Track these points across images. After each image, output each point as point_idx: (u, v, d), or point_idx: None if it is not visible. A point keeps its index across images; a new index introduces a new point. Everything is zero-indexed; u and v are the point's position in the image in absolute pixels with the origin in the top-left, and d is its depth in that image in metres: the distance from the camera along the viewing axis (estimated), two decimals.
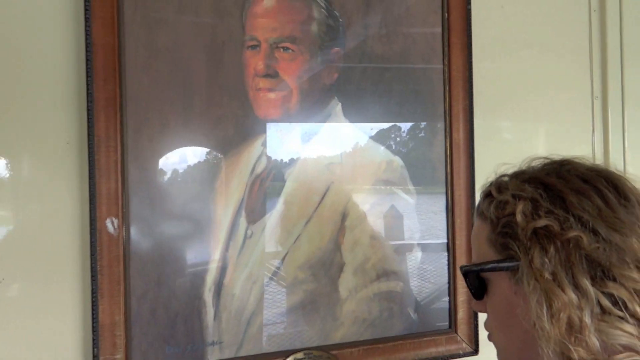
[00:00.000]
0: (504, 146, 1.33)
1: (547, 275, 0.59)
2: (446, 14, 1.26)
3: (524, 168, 0.73)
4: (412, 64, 1.24)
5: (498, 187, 0.71)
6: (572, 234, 0.59)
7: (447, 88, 1.26)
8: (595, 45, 1.43)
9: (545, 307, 0.59)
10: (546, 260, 0.60)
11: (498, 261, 0.68)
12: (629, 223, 0.61)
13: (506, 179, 0.72)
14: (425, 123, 1.25)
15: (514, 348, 0.70)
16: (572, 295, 0.58)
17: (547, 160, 0.72)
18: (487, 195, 0.73)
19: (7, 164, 0.99)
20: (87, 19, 1.00)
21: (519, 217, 0.64)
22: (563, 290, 0.58)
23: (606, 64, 1.43)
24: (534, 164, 0.73)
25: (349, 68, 1.19)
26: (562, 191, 0.64)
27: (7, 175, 0.99)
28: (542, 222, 0.62)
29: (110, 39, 1.02)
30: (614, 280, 0.58)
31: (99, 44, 1.01)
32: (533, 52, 1.37)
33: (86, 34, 1.00)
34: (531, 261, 0.61)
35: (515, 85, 1.34)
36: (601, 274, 0.58)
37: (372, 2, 1.21)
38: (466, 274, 0.73)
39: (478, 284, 0.72)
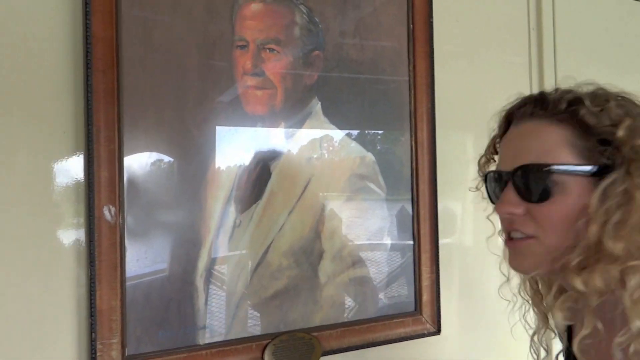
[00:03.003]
0: (463, 144, 1.48)
1: None
2: (411, 26, 1.40)
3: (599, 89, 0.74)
4: (382, 69, 1.36)
5: (594, 98, 0.71)
6: None
7: (412, 92, 1.39)
8: (534, 61, 1.62)
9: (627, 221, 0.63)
10: None
11: (585, 164, 0.68)
12: None
13: (594, 90, 0.73)
14: (393, 123, 1.37)
15: (564, 248, 0.70)
16: None
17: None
18: (571, 101, 0.72)
19: (5, 152, 0.99)
20: (87, 13, 1.03)
21: (623, 132, 0.66)
22: None
23: (543, 78, 1.62)
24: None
25: (328, 70, 1.29)
26: None
27: (5, 163, 0.99)
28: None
29: (109, 33, 1.05)
30: None
31: (98, 37, 1.04)
32: (482, 60, 1.54)
33: (86, 27, 1.03)
34: (631, 174, 0.64)
35: (471, 90, 1.50)
36: None
37: (347, 12, 1.32)
38: (534, 172, 0.70)
39: (541, 186, 0.70)
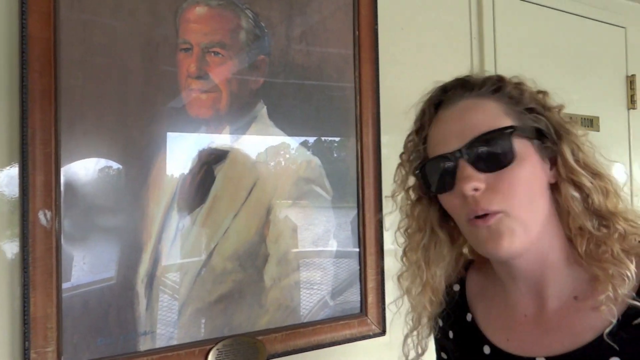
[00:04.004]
0: None
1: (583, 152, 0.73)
2: (357, 32, 1.43)
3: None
4: (328, 75, 1.38)
5: (514, 83, 0.79)
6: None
7: (357, 98, 1.42)
8: (476, 67, 1.68)
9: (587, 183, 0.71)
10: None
11: (526, 129, 0.73)
12: None
13: (503, 76, 0.80)
14: (339, 128, 1.39)
15: (538, 224, 0.72)
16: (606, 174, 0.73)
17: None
18: (496, 80, 0.78)
19: None
20: (23, 12, 1.00)
21: (546, 101, 0.77)
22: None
23: None
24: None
25: (274, 75, 1.30)
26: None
27: None
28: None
29: (46, 33, 1.03)
30: None
31: (35, 37, 1.02)
32: (426, 67, 1.58)
33: (22, 27, 1.00)
34: (563, 139, 0.73)
35: (415, 95, 1.53)
36: None
37: (293, 17, 1.34)
38: (491, 139, 0.71)
39: (500, 151, 0.71)
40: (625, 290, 0.67)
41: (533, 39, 1.83)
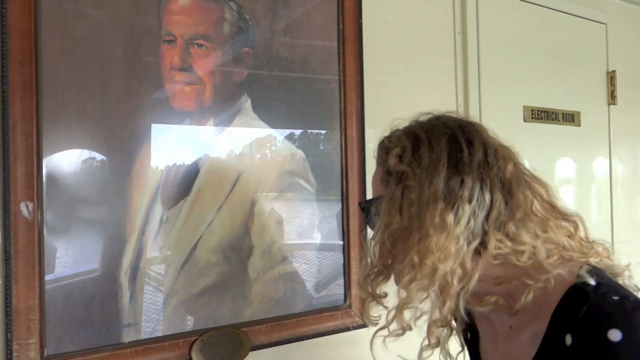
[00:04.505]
0: None
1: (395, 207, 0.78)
2: (341, 25, 1.43)
3: (411, 122, 0.86)
4: (313, 68, 1.39)
5: (388, 137, 0.85)
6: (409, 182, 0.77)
7: (342, 91, 1.42)
8: (459, 62, 1.70)
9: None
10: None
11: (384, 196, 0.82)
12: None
13: (394, 131, 0.86)
14: (324, 121, 1.40)
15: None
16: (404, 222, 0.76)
17: (430, 115, 0.86)
18: (380, 143, 0.86)
19: None
20: (2, 1, 0.99)
21: (391, 161, 0.79)
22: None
23: (467, 79, 1.70)
24: (420, 118, 0.86)
25: (258, 67, 1.30)
26: (421, 142, 0.79)
27: None
28: (402, 168, 0.78)
29: (27, 23, 1.02)
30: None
31: (15, 27, 1.01)
32: (410, 61, 1.59)
33: (1, 16, 0.99)
34: (391, 197, 0.78)
35: (399, 89, 1.55)
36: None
37: (277, 10, 1.34)
38: (364, 208, 0.88)
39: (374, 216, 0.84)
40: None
41: (516, 34, 1.85)
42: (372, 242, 0.80)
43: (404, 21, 1.60)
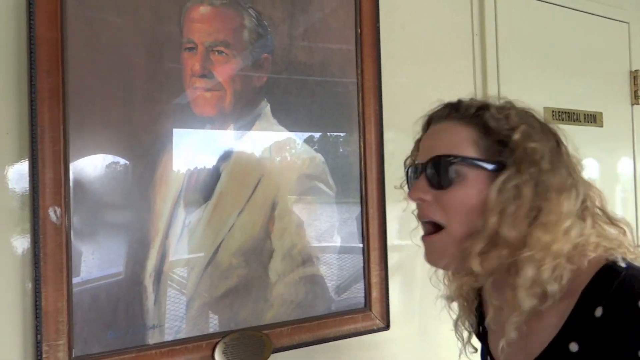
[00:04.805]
0: (409, 145, 1.53)
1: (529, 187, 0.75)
2: (359, 30, 1.44)
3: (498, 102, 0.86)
4: (331, 72, 1.40)
5: (499, 107, 0.83)
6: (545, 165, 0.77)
7: (360, 94, 1.43)
8: (477, 64, 1.69)
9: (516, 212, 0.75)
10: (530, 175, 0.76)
11: (485, 160, 0.79)
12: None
13: (502, 103, 0.85)
14: (342, 125, 1.41)
15: (461, 235, 0.79)
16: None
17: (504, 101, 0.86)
18: (479, 107, 0.83)
19: None
20: (30, 13, 1.03)
21: (518, 135, 0.78)
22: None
23: (486, 81, 1.70)
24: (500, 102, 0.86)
25: (277, 73, 1.32)
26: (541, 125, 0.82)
27: None
28: (533, 145, 0.77)
29: (53, 34, 1.05)
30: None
31: (43, 37, 1.04)
32: (428, 63, 1.60)
33: (30, 27, 1.03)
34: (521, 172, 0.76)
35: (417, 92, 1.55)
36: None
37: (295, 15, 1.36)
38: (442, 162, 0.80)
39: (447, 174, 0.80)
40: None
41: (535, 35, 1.84)
42: (487, 213, 0.76)
43: (421, 24, 1.60)
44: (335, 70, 1.41)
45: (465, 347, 0.96)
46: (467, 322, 0.95)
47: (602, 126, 2.02)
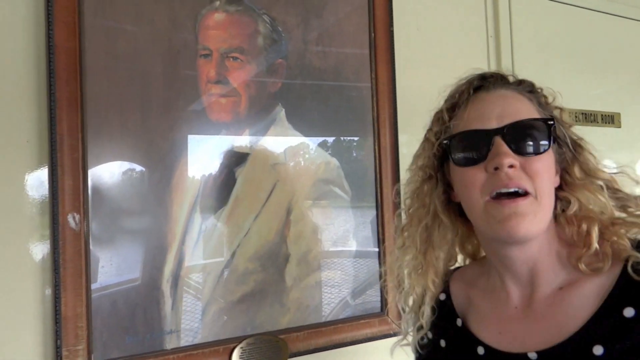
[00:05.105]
0: None
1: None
2: (373, 34, 1.44)
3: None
4: (345, 77, 1.40)
5: (533, 84, 0.85)
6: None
7: (374, 98, 1.43)
8: (492, 66, 1.68)
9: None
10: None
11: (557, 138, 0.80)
12: None
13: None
14: (357, 129, 1.41)
15: (551, 213, 0.78)
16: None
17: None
18: (531, 84, 0.85)
19: None
20: (49, 23, 1.04)
21: (566, 117, 0.83)
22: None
23: None
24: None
25: (291, 78, 1.32)
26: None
27: None
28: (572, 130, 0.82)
29: (72, 43, 1.07)
30: None
31: (61, 47, 1.06)
32: (442, 66, 1.59)
33: (48, 37, 1.04)
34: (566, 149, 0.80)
35: (432, 95, 1.54)
36: None
37: (309, 20, 1.36)
38: (536, 126, 0.77)
39: (539, 138, 0.77)
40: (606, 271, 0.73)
41: (550, 35, 1.82)
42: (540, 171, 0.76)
43: (435, 27, 1.60)
44: (350, 74, 1.41)
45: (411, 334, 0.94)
46: (425, 312, 0.90)
47: (620, 127, 1.99)
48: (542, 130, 0.76)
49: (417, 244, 0.89)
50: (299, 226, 1.31)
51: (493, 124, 0.77)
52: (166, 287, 1.15)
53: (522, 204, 0.73)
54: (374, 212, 1.43)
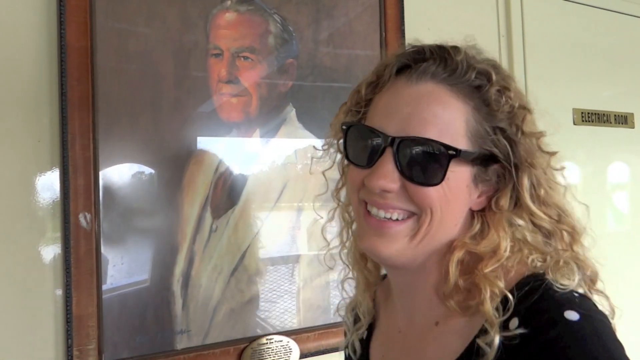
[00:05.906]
0: None
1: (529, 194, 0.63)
2: (384, 34, 1.43)
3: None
4: (356, 77, 1.39)
5: (497, 71, 0.64)
6: None
7: None
8: (504, 65, 1.67)
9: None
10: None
11: (473, 151, 0.62)
12: None
13: (500, 67, 0.67)
14: None
15: (431, 246, 0.65)
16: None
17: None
18: (483, 73, 0.64)
19: None
20: (61, 23, 1.05)
21: (527, 126, 0.63)
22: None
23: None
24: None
25: (302, 78, 1.32)
26: None
27: None
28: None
29: (83, 42, 1.07)
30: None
31: (73, 47, 1.06)
32: None
33: (60, 37, 1.05)
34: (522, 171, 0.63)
35: None
36: None
37: (320, 20, 1.35)
38: (428, 150, 0.61)
39: (431, 168, 0.61)
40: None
41: (563, 35, 1.80)
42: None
43: (446, 26, 1.58)
44: (360, 74, 1.39)
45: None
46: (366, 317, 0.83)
47: (633, 127, 1.97)
48: (438, 159, 0.60)
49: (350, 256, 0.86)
50: (309, 226, 1.31)
51: (391, 130, 0.63)
52: (177, 287, 1.14)
53: (396, 229, 0.63)
54: None
